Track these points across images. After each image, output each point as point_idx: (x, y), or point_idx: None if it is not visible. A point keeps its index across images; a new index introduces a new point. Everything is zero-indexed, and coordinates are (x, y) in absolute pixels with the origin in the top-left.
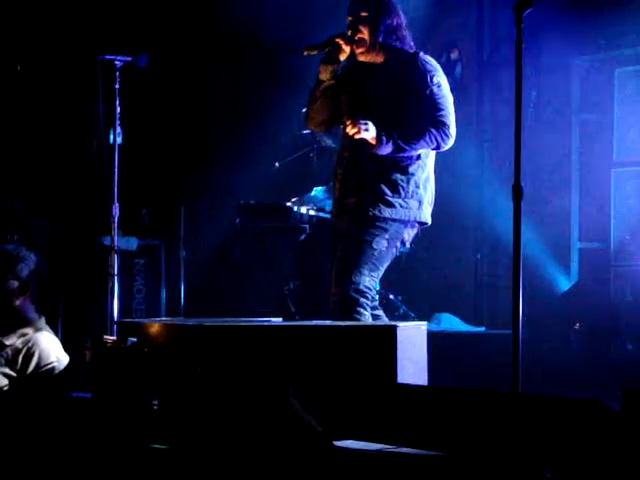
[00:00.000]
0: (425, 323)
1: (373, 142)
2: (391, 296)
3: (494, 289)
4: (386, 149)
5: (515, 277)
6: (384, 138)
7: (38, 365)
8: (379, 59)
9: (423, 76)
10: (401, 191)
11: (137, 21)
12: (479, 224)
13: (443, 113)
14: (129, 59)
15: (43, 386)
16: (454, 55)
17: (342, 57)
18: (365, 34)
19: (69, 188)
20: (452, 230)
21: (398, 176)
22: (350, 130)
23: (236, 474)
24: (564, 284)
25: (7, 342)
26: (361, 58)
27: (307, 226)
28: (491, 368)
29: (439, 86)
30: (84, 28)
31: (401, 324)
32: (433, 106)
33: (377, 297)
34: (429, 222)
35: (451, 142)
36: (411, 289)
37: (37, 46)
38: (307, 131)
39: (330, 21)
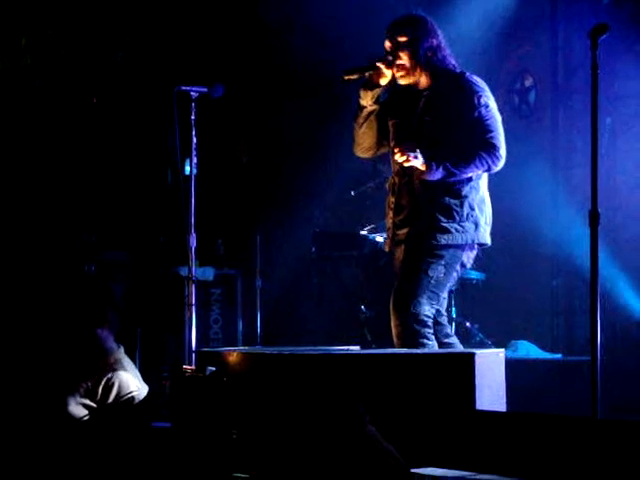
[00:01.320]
0: (503, 350)
1: (423, 168)
2: (467, 324)
3: (571, 316)
4: (436, 175)
5: (592, 303)
6: (434, 164)
7: (118, 395)
8: (423, 81)
9: (470, 98)
10: (455, 215)
11: (212, 53)
12: (555, 251)
13: (493, 135)
14: (205, 90)
15: (124, 416)
16: (528, 82)
17: (383, 82)
18: (405, 59)
19: (146, 219)
20: (528, 257)
21: (451, 200)
22: (399, 158)
23: None
24: None
25: (87, 373)
26: (402, 82)
27: (382, 253)
28: (569, 395)
29: (487, 107)
30: (160, 60)
31: (479, 351)
32: (482, 128)
33: (452, 325)
34: (488, 243)
35: (502, 164)
36: (487, 317)
37: (113, 78)
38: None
39: None
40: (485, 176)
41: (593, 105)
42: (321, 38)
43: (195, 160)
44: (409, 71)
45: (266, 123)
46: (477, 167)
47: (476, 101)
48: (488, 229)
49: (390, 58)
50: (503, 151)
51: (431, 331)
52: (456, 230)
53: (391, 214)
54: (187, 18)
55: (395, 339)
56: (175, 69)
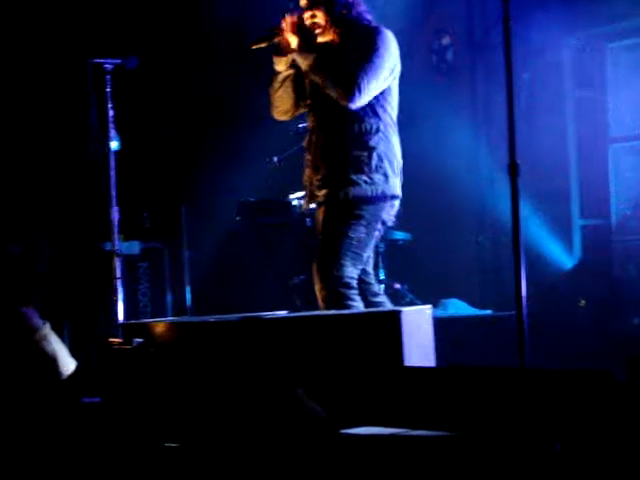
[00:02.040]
0: (430, 306)
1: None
2: (397, 285)
3: (499, 271)
4: (305, 57)
5: (516, 253)
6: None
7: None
8: (339, 39)
9: (370, 41)
10: (364, 167)
11: (127, 25)
12: (480, 207)
13: (360, 74)
14: (119, 61)
15: (52, 392)
16: (445, 41)
17: (294, 46)
18: (321, 18)
19: (70, 196)
20: (454, 215)
21: (359, 153)
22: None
23: (244, 465)
24: (567, 262)
25: (13, 351)
26: (320, 39)
27: (309, 220)
28: (499, 350)
29: (377, 51)
30: (74, 33)
31: (405, 309)
32: (360, 63)
33: (380, 286)
34: (399, 194)
35: (353, 101)
36: (416, 277)
37: (27, 53)
38: (303, 125)
39: None
40: (392, 125)
41: (507, 58)
42: (239, 6)
43: (113, 132)
44: (325, 29)
45: (188, 93)
46: (335, 83)
47: (373, 44)
48: (398, 180)
49: (306, 17)
50: (359, 91)
51: (356, 292)
52: (365, 182)
53: (309, 172)
54: None
55: (320, 303)
56: (92, 42)
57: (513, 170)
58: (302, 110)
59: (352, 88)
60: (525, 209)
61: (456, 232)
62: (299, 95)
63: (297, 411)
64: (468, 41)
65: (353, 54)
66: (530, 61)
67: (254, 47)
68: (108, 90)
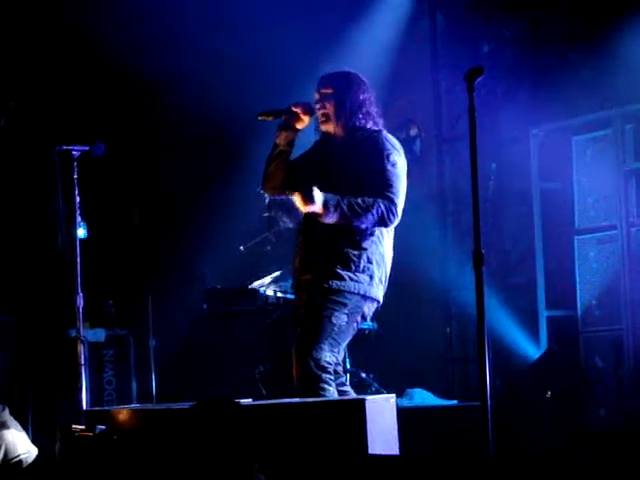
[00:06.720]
0: (394, 395)
1: (320, 212)
2: (363, 374)
3: (465, 362)
4: (332, 217)
5: (480, 343)
6: (331, 207)
7: (5, 458)
8: (341, 132)
9: (380, 153)
10: (351, 265)
11: (95, 111)
12: (447, 298)
13: (393, 190)
14: (86, 148)
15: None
16: (413, 131)
17: (299, 126)
18: (330, 110)
19: (36, 283)
20: (421, 305)
21: (350, 250)
22: (299, 204)
23: None
24: (534, 353)
25: None
26: (324, 129)
27: (274, 308)
28: (464, 441)
29: (394, 165)
30: (43, 121)
31: (369, 397)
32: (383, 182)
33: (347, 375)
34: (380, 300)
35: (397, 221)
36: (383, 366)
37: None
38: (265, 214)
39: None
40: (388, 233)
41: (472, 147)
42: (203, 94)
43: (81, 221)
44: (331, 120)
45: (155, 181)
46: (373, 216)
47: (385, 157)
48: (382, 287)
49: (311, 106)
50: (399, 209)
51: (331, 377)
52: (350, 278)
53: (297, 259)
54: (68, 79)
55: (296, 383)
56: (58, 130)
57: (478, 260)
58: (288, 194)
59: (394, 211)
60: (492, 299)
61: (424, 322)
62: (288, 180)
63: None
64: (436, 131)
65: (365, 162)
66: (498, 151)
67: (260, 118)
68: (75, 177)
